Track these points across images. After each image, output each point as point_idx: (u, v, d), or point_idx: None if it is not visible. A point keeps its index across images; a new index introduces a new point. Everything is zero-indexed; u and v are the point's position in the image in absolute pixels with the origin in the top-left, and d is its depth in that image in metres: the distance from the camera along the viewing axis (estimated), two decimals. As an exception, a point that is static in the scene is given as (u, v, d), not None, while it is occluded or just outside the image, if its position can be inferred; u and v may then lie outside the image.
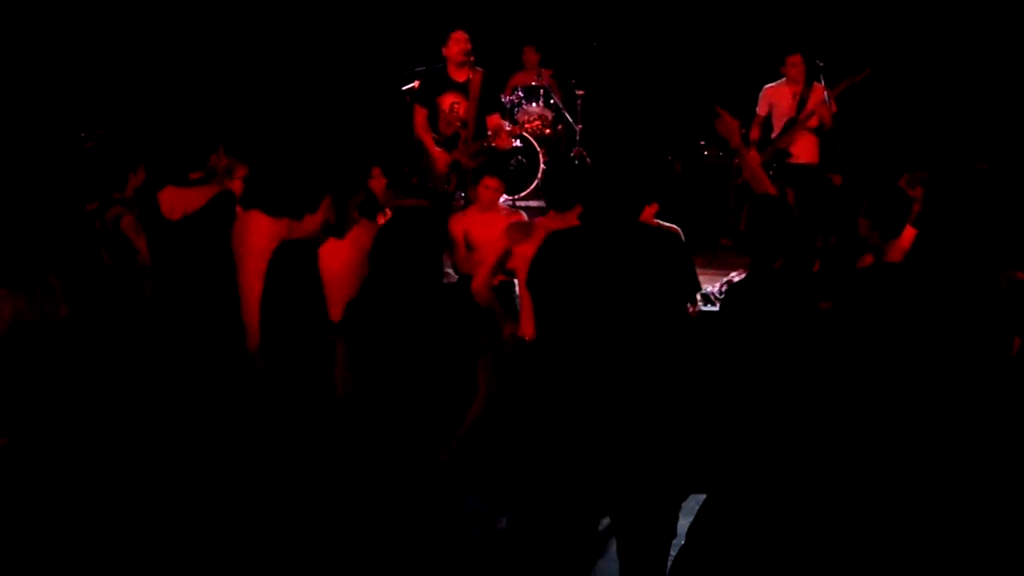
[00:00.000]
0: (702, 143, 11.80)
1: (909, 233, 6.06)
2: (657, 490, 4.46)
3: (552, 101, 11.57)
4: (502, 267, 7.01)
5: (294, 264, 5.27)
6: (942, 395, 4.75)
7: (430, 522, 4.36)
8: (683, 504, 4.91)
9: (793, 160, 9.59)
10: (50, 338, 5.07)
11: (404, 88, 9.27)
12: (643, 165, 4.70)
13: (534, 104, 11.43)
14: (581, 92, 11.71)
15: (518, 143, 10.91)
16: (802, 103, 9.55)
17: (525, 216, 8.12)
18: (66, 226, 6.66)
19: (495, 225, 7.77)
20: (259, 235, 5.85)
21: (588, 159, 11.44)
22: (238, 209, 6.39)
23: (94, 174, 7.04)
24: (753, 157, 6.93)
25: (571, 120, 11.62)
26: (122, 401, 5.74)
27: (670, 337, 4.42)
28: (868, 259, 5.60)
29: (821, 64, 9.49)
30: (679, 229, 6.69)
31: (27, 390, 5.02)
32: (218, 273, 6.20)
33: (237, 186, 7.06)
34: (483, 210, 7.69)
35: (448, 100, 8.94)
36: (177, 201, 6.75)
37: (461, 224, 7.74)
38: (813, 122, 9.53)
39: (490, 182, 7.72)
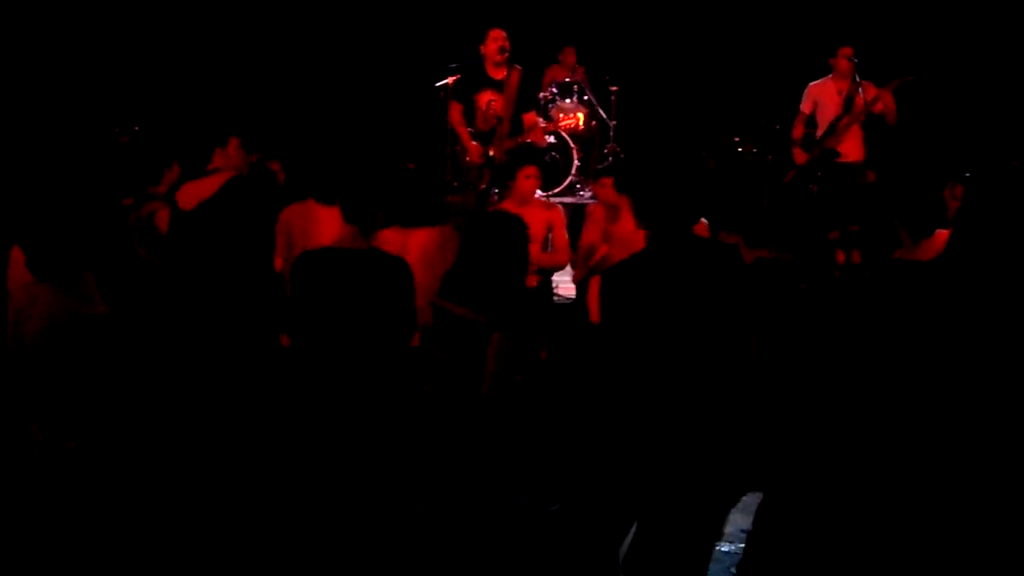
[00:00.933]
0: (736, 139, 11.76)
1: (944, 233, 6.01)
2: (709, 491, 4.48)
3: (586, 97, 11.55)
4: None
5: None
6: (968, 394, 4.71)
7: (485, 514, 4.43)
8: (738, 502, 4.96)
9: (842, 159, 9.53)
10: (87, 334, 5.09)
11: (438, 85, 9.30)
12: (693, 174, 4.66)
13: (568, 101, 11.41)
14: (615, 88, 11.69)
15: (552, 139, 10.92)
16: (849, 101, 9.47)
17: (561, 208, 8.14)
18: (102, 221, 6.71)
19: (532, 219, 7.75)
20: (329, 231, 5.95)
21: (622, 155, 11.42)
22: (311, 202, 6.51)
23: (129, 169, 7.09)
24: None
25: (605, 116, 11.61)
26: (153, 394, 5.77)
27: (735, 351, 4.42)
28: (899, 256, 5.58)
29: (855, 61, 9.42)
30: (706, 222, 6.67)
31: (64, 386, 5.05)
32: (235, 256, 6.27)
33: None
34: (520, 203, 7.66)
35: (485, 97, 8.98)
36: (191, 193, 6.80)
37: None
38: (863, 116, 9.44)
39: (529, 171, 7.68)
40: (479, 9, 10.14)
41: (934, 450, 4.63)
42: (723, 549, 5.87)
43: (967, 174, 7.05)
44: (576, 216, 8.52)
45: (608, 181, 7.63)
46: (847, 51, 9.44)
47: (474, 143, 8.94)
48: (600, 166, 10.27)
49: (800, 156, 9.70)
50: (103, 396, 4.96)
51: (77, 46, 11.08)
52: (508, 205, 7.80)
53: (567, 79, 11.59)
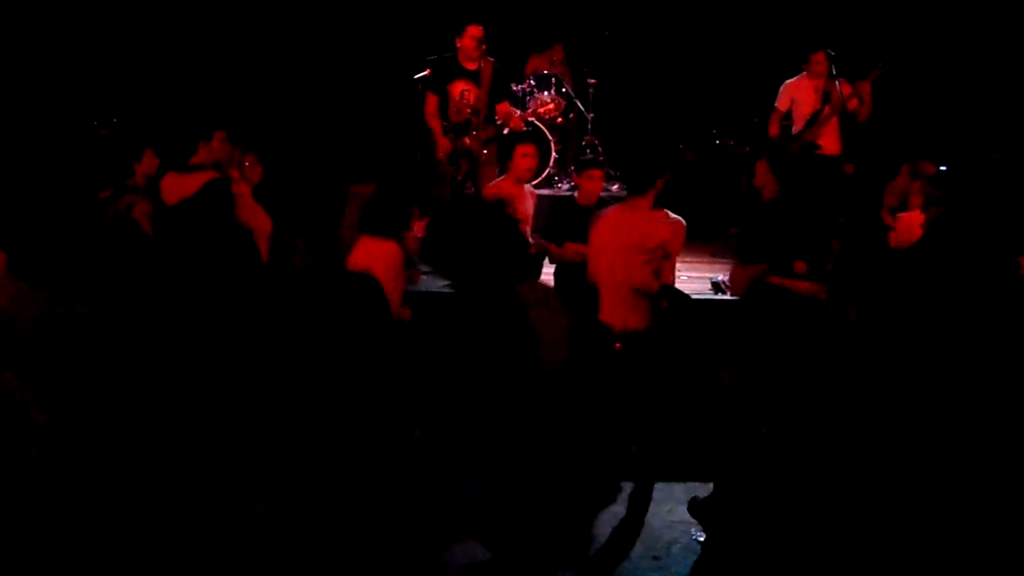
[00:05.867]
0: (714, 131, 11.77)
1: (917, 219, 6.09)
2: None
3: (564, 89, 11.55)
4: None
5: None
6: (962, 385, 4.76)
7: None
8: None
9: (822, 152, 9.57)
10: (73, 327, 5.11)
11: (416, 76, 9.30)
12: None
13: (546, 92, 11.40)
14: (593, 81, 11.69)
15: (529, 130, 10.93)
16: (826, 95, 9.52)
17: (534, 191, 8.21)
18: (82, 216, 6.71)
19: (524, 200, 7.80)
20: None
21: (600, 148, 11.43)
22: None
23: (107, 163, 7.08)
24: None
25: (583, 109, 11.61)
26: (138, 386, 5.79)
27: None
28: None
29: (832, 54, 9.46)
30: (684, 222, 6.72)
31: (60, 372, 5.07)
32: (212, 256, 6.29)
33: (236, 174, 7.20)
34: (516, 181, 7.69)
35: (458, 87, 9.02)
36: (175, 187, 6.80)
37: (495, 193, 7.75)
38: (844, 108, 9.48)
39: (526, 149, 7.74)
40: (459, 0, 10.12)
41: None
42: (699, 539, 5.92)
43: (943, 168, 7.11)
44: (552, 208, 8.50)
45: (597, 173, 7.65)
46: (819, 57, 9.50)
47: (444, 139, 8.97)
48: (583, 158, 10.29)
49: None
50: (98, 383, 4.99)
51: (56, 38, 11.00)
52: (504, 184, 7.80)
53: (546, 71, 11.58)
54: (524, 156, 7.71)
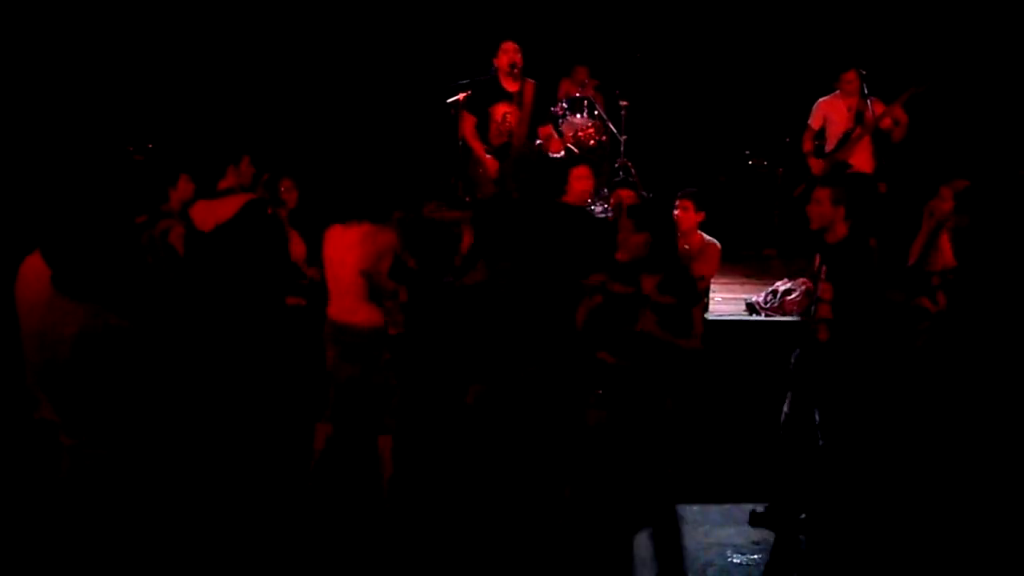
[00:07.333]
0: (747, 152, 11.76)
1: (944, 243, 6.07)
2: None
3: (596, 112, 11.56)
4: None
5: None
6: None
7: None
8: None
9: (853, 170, 9.55)
10: (118, 345, 5.13)
11: (449, 100, 9.29)
12: None
13: (578, 115, 11.41)
14: (625, 103, 11.69)
15: (563, 154, 10.94)
16: (859, 115, 9.50)
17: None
18: (121, 238, 6.74)
19: None
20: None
21: (633, 170, 11.43)
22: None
23: (143, 187, 7.14)
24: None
25: (615, 131, 11.61)
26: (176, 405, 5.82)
27: None
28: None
29: (864, 72, 9.45)
30: (719, 244, 6.71)
31: (96, 395, 5.09)
32: (254, 278, 6.32)
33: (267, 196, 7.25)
34: (574, 203, 7.65)
35: (501, 110, 8.98)
36: (208, 213, 6.83)
37: None
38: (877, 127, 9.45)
39: (581, 171, 7.69)
40: (491, 24, 10.16)
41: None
42: (735, 560, 5.89)
43: (961, 179, 7.08)
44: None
45: (628, 194, 7.64)
46: (850, 76, 9.50)
47: (489, 157, 8.92)
48: (616, 179, 10.27)
49: (816, 165, 9.69)
50: (132, 405, 5.00)
51: (90, 62, 11.12)
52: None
53: (578, 94, 11.59)
54: (579, 179, 7.67)
